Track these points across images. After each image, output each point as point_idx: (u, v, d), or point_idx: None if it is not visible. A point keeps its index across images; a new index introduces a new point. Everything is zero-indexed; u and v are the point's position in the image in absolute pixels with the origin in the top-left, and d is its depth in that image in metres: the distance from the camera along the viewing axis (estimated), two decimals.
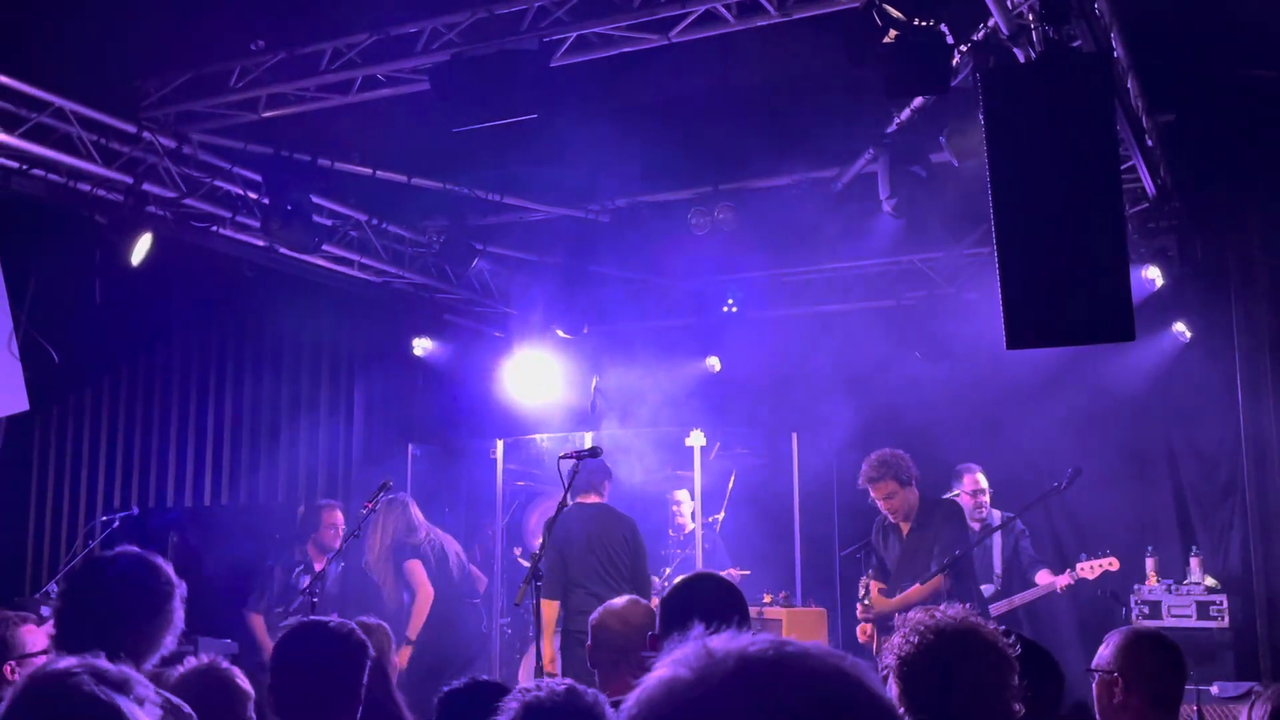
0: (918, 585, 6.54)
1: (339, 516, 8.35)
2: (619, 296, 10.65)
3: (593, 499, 7.47)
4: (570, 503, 6.21)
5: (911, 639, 2.47)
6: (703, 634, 1.16)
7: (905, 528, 6.89)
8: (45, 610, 6.35)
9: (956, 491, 8.00)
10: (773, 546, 9.17)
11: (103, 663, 2.14)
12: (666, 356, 9.94)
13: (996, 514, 8.04)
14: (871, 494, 6.84)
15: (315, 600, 6.79)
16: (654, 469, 9.24)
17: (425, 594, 7.86)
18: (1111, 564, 7.66)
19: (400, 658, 6.13)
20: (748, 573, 8.98)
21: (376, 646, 4.29)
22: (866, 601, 6.85)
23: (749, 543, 9.25)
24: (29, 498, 10.98)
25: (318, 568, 8.15)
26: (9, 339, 6.60)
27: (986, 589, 7.73)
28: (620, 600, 4.30)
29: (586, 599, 6.92)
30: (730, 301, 9.78)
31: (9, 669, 4.18)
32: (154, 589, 3.01)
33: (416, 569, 7.91)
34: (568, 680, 2.61)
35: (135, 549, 3.11)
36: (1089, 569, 7.68)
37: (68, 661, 2.15)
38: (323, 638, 3.33)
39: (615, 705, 3.69)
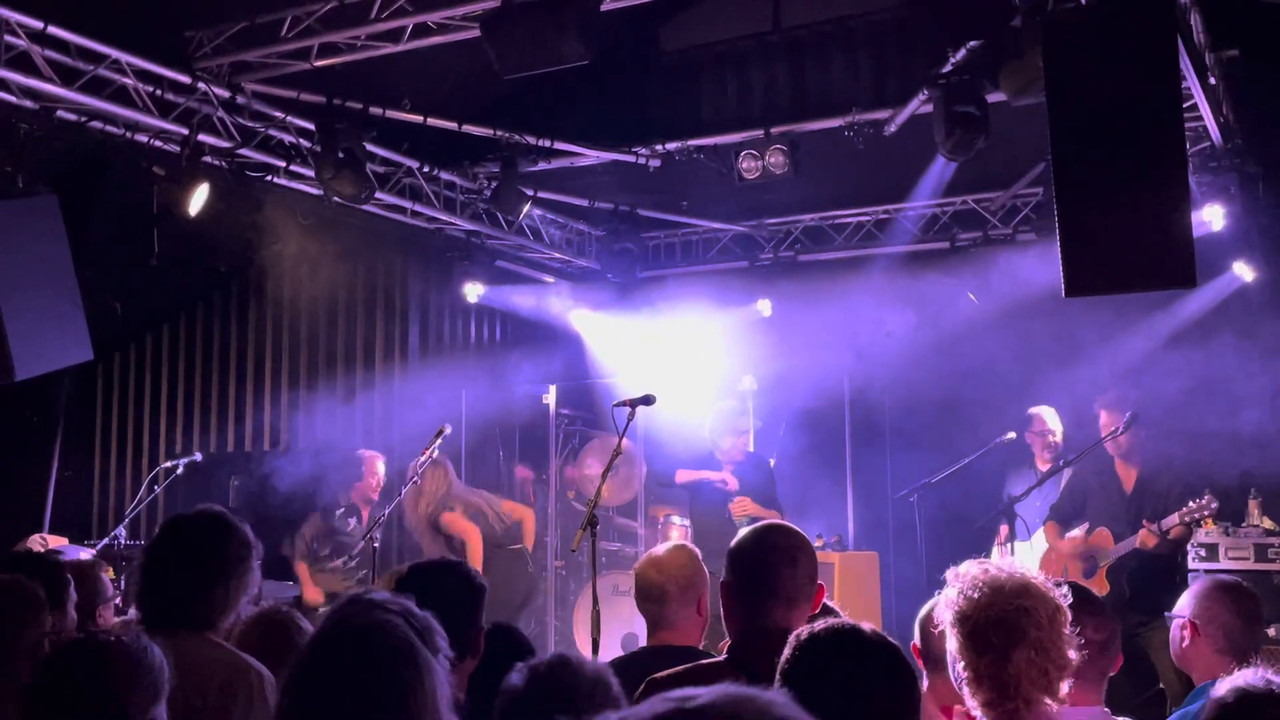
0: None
1: (380, 466, 8.37)
2: (670, 240, 10.65)
3: None
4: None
5: (970, 593, 2.49)
6: None
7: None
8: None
9: (1012, 435, 7.95)
10: (825, 490, 9.18)
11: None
12: (718, 300, 9.92)
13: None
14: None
15: (376, 546, 6.91)
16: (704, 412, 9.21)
17: (474, 538, 7.83)
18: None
19: None
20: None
21: None
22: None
23: (801, 485, 9.27)
24: (94, 445, 11.21)
25: (364, 514, 8.23)
26: (72, 291, 6.70)
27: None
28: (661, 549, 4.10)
29: None
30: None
31: (99, 614, 4.36)
32: (234, 555, 3.07)
33: (455, 520, 7.87)
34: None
35: (214, 508, 3.17)
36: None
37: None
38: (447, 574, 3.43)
39: (658, 652, 3.72)
